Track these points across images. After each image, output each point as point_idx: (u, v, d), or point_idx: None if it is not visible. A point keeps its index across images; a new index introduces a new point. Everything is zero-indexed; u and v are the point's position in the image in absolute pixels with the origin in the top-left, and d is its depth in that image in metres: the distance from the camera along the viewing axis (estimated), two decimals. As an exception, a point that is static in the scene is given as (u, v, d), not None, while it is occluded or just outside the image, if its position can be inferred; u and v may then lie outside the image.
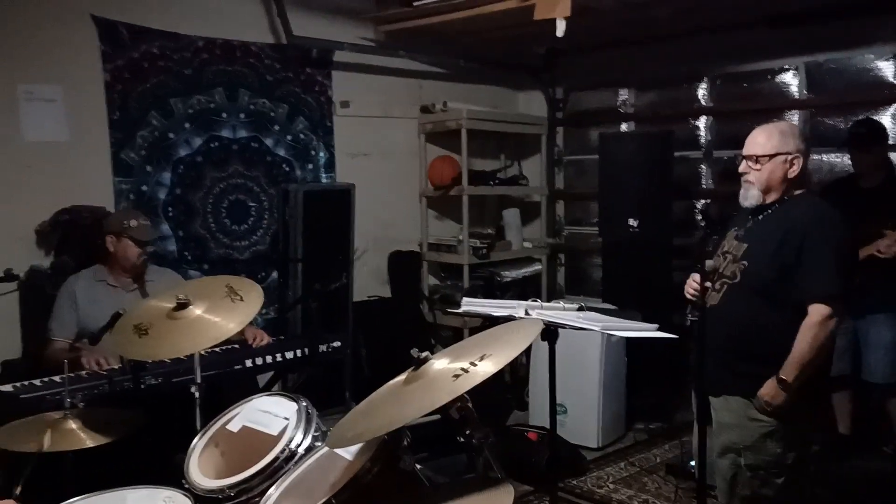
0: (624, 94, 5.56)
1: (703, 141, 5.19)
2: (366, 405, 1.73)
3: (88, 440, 2.15)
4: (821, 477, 2.73)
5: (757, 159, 2.50)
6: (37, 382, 2.93)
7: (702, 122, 5.20)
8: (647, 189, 4.63)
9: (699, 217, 5.03)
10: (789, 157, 2.48)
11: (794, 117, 4.73)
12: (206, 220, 4.39)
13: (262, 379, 3.80)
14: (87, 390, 2.81)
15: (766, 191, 2.51)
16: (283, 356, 3.51)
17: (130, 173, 4.08)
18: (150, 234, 3.48)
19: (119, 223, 3.42)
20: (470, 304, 2.55)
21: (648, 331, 2.33)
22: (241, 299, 2.35)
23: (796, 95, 4.74)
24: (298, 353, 3.56)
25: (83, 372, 3.01)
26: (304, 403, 2.19)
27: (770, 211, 2.52)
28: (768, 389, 2.41)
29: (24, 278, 2.26)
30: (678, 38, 4.89)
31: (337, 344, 3.73)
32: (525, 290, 5.27)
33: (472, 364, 1.54)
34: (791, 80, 4.76)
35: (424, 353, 1.65)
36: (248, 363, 3.38)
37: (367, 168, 5.01)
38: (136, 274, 3.46)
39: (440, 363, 1.65)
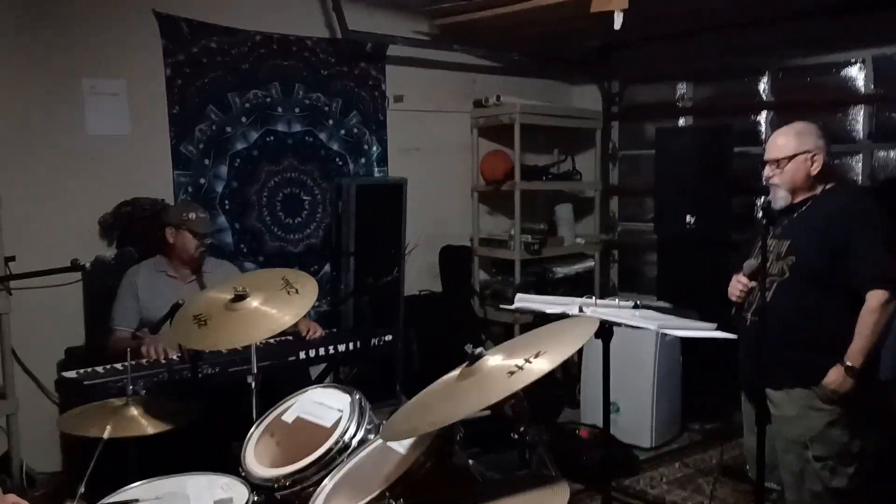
0: (681, 88, 5.47)
1: (763, 136, 5.07)
2: (419, 400, 1.74)
3: (149, 427, 2.21)
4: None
5: (778, 163, 2.60)
6: (99, 369, 3.04)
7: (762, 117, 5.07)
8: (704, 185, 4.54)
9: (758, 213, 4.90)
10: (809, 156, 2.57)
11: (860, 112, 4.58)
12: (261, 213, 4.47)
13: (314, 371, 3.88)
14: (147, 378, 2.90)
15: (793, 191, 2.61)
16: (336, 349, 3.56)
17: (189, 166, 4.18)
18: (208, 226, 3.57)
19: (178, 215, 3.52)
20: (523, 301, 2.54)
21: (706, 330, 2.29)
22: (297, 292, 2.39)
23: (862, 89, 4.59)
24: (351, 346, 3.60)
25: (144, 360, 3.10)
26: (358, 396, 2.22)
27: (804, 207, 2.61)
28: (834, 377, 2.45)
29: (89, 268, 2.34)
30: (738, 30, 4.78)
31: (388, 338, 3.77)
32: (577, 286, 5.22)
33: (527, 361, 1.54)
34: (857, 74, 4.61)
35: (478, 350, 1.65)
36: (302, 355, 3.43)
37: (420, 163, 5.03)
38: (194, 265, 3.55)
39: (494, 360, 1.65)
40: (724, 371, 4.26)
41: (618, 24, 3.67)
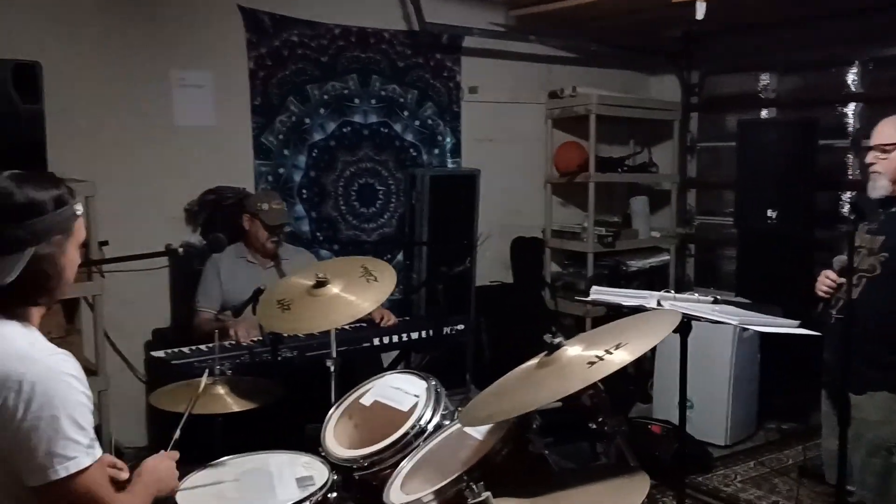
0: (765, 79, 5.32)
1: (850, 129, 4.89)
2: (498, 387, 1.78)
3: (234, 405, 2.31)
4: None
5: (884, 149, 2.51)
6: (185, 350, 3.19)
7: (850, 109, 4.89)
8: (787, 179, 4.42)
9: (846, 209, 4.75)
10: None
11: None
12: (337, 202, 4.58)
13: (386, 358, 3.96)
14: (230, 360, 3.02)
15: (894, 181, 2.52)
16: (409, 336, 3.64)
17: (269, 156, 4.31)
18: (280, 218, 3.65)
19: (254, 204, 3.65)
20: (599, 293, 2.55)
21: (789, 327, 2.25)
22: (376, 280, 2.45)
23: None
24: (423, 334, 3.67)
25: (227, 342, 3.23)
26: (434, 382, 2.27)
27: None
28: None
29: (182, 253, 2.46)
30: (826, 19, 4.61)
31: (461, 327, 3.82)
32: (652, 280, 5.16)
33: (608, 352, 1.55)
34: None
35: (558, 339, 1.67)
36: (376, 341, 3.53)
37: (493, 153, 5.05)
38: (266, 254, 3.66)
39: (574, 350, 1.66)
40: (805, 370, 4.17)
41: (700, 14, 3.61)
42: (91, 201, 3.16)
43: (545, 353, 1.70)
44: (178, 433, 1.98)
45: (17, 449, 1.41)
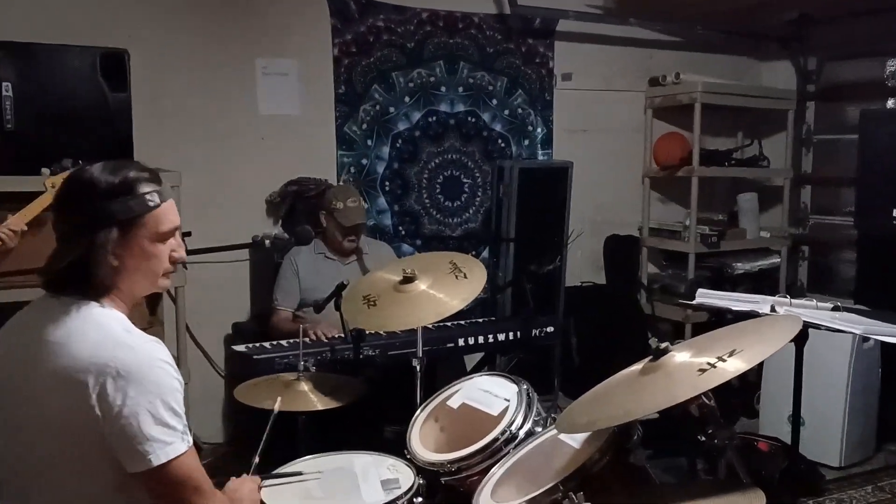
0: (892, 65, 5.07)
1: None
2: (598, 393, 1.77)
3: (318, 403, 2.38)
4: None
5: None
6: (267, 345, 3.29)
7: None
8: (917, 175, 4.21)
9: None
10: None
11: None
12: (421, 195, 4.63)
13: (469, 361, 3.98)
14: (312, 356, 3.10)
15: None
16: (495, 338, 3.65)
17: (353, 147, 4.40)
18: (356, 217, 3.68)
19: (330, 202, 3.71)
20: (705, 296, 2.50)
21: (922, 338, 2.15)
22: (465, 277, 2.48)
23: None
24: (510, 335, 3.67)
25: (307, 338, 3.31)
26: (525, 386, 2.28)
27: None
28: None
29: (268, 245, 2.56)
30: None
31: (549, 329, 3.82)
32: (760, 285, 5.01)
33: (721, 359, 1.52)
34: None
35: (665, 344, 1.65)
36: (461, 342, 3.56)
37: (587, 145, 5.01)
38: (342, 253, 3.73)
39: (682, 355, 1.64)
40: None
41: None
42: (175, 191, 3.29)
43: (650, 357, 1.68)
44: (256, 458, 2.03)
45: (118, 436, 1.50)
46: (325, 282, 3.54)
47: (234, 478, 1.88)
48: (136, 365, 1.51)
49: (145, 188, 1.62)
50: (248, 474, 1.95)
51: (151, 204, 1.62)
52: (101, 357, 1.51)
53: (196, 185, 3.72)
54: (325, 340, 3.31)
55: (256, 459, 2.04)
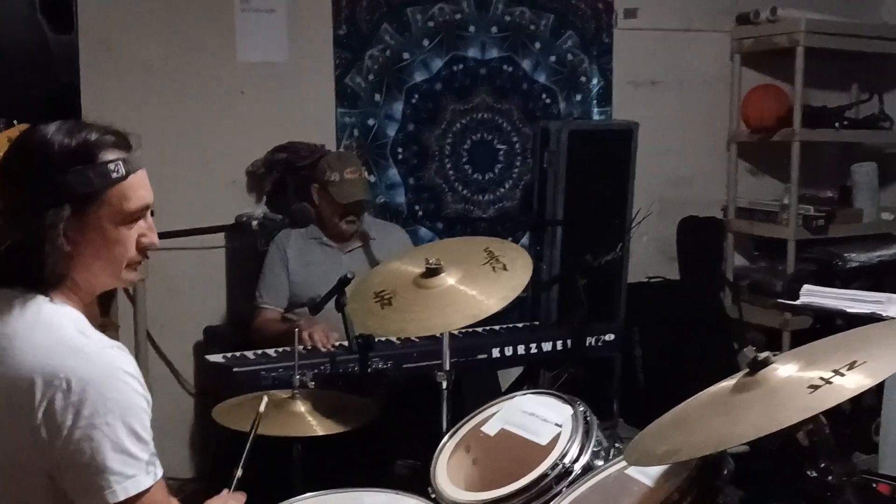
0: None
1: None
2: (677, 416, 1.79)
3: (318, 427, 2.42)
4: None
5: None
6: (249, 355, 3.35)
7: None
8: None
9: None
10: None
11: None
12: (443, 165, 4.67)
13: (505, 376, 4.00)
14: (308, 369, 3.13)
15: None
16: (539, 348, 3.68)
17: (356, 103, 4.43)
18: (355, 193, 3.69)
19: (323, 173, 3.71)
20: (812, 294, 2.51)
21: None
22: (505, 268, 2.49)
23: None
24: (558, 345, 3.70)
25: (301, 347, 3.34)
26: (582, 408, 2.30)
27: None
28: None
29: (256, 228, 2.56)
30: None
31: (608, 338, 3.85)
32: (879, 280, 4.98)
33: (837, 373, 1.53)
34: None
35: (765, 354, 1.67)
36: (495, 352, 3.59)
37: (656, 101, 5.03)
38: (339, 238, 3.76)
39: (787, 368, 1.66)
40: None
41: None
42: (134, 160, 3.34)
43: (745, 371, 1.70)
44: (239, 470, 2.07)
45: (67, 464, 1.54)
46: (321, 275, 3.59)
47: (213, 497, 1.91)
48: (92, 377, 1.54)
49: (108, 155, 1.64)
50: (228, 490, 1.98)
51: (115, 175, 1.63)
52: (50, 365, 1.54)
53: (159, 151, 3.77)
54: (325, 350, 3.33)
55: (239, 472, 2.08)
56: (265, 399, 2.33)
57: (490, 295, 2.45)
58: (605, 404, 4.32)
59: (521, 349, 3.65)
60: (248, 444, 2.15)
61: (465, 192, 4.73)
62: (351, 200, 3.68)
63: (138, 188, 1.67)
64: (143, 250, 1.72)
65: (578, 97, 4.92)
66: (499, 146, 4.78)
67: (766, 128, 5.01)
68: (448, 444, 2.37)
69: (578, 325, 3.77)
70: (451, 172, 4.69)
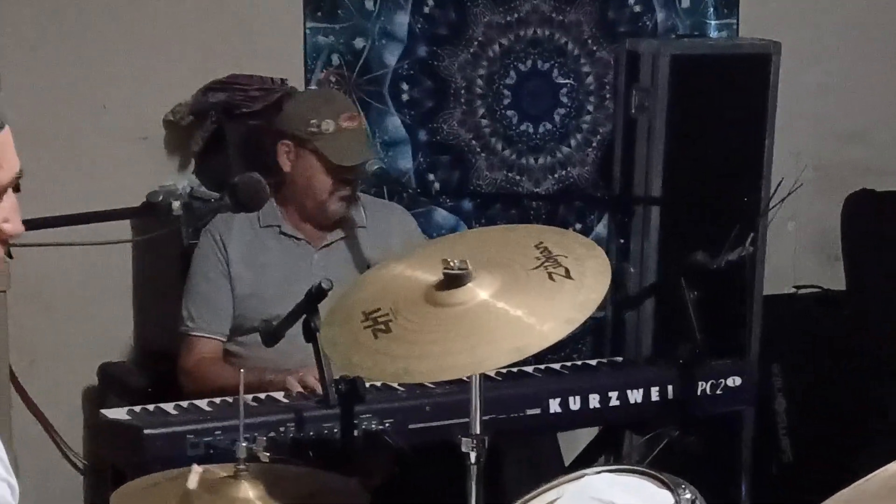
0: None
1: None
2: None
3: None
4: None
5: None
6: (169, 409, 3.34)
7: None
8: None
9: None
10: None
11: None
12: (472, 110, 4.66)
13: (570, 439, 4.00)
14: (261, 429, 3.14)
15: None
16: (624, 398, 3.66)
17: (335, 15, 4.44)
18: (360, 150, 3.75)
19: (302, 120, 3.72)
20: None
21: None
22: (568, 275, 2.48)
23: None
24: (654, 394, 3.69)
25: (250, 398, 3.35)
26: (689, 495, 2.29)
27: None
28: None
29: (179, 211, 2.50)
30: None
31: (734, 383, 3.82)
32: None
33: None
34: None
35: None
36: (554, 406, 3.58)
37: (809, 9, 5.02)
38: (325, 222, 3.79)
39: None
40: None
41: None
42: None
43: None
44: None
45: None
46: (281, 283, 3.61)
47: None
48: None
49: None
50: None
51: None
52: None
53: (28, 95, 3.79)
54: (286, 399, 3.35)
55: None
56: (194, 477, 2.33)
57: (545, 317, 2.44)
58: (728, 488, 4.31)
59: (594, 400, 3.64)
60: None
61: (506, 153, 4.74)
62: (357, 162, 3.71)
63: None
64: (3, 240, 1.72)
65: (686, 3, 4.93)
66: (560, 80, 4.79)
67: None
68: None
69: (687, 364, 3.77)
70: (484, 123, 4.70)
